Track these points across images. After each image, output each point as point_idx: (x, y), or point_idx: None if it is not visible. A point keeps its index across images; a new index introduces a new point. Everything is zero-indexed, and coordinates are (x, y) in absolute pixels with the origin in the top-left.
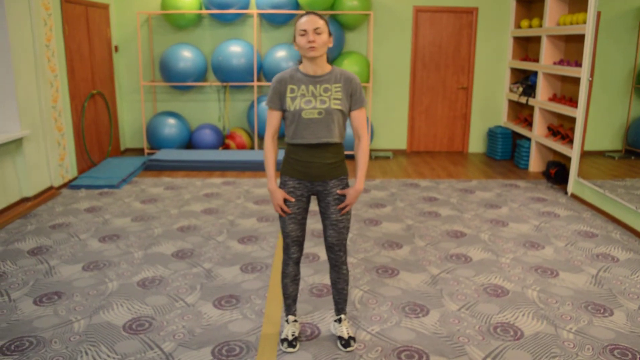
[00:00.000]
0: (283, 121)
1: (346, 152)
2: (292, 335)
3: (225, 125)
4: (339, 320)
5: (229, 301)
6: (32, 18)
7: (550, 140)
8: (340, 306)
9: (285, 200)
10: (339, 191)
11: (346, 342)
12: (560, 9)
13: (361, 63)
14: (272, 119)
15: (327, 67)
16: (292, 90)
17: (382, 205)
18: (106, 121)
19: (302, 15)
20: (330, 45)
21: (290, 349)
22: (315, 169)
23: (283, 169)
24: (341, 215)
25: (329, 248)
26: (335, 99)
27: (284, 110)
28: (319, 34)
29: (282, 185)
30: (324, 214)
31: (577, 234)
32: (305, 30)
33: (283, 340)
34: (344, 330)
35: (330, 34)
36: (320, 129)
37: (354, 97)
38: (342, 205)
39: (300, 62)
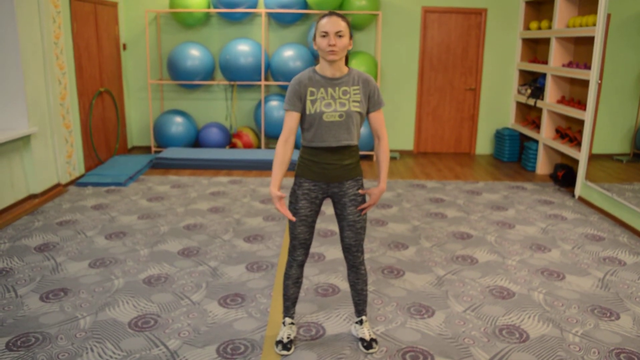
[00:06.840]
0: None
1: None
2: (288, 338)
3: (232, 124)
4: (360, 322)
5: (234, 300)
6: (41, 15)
7: (558, 143)
8: (360, 307)
9: (295, 206)
10: (361, 191)
11: (368, 344)
12: (570, 11)
13: (369, 63)
14: (290, 121)
15: (345, 69)
16: (312, 93)
17: (389, 205)
18: (114, 119)
19: (324, 15)
20: (350, 47)
21: (285, 352)
22: (333, 171)
23: (298, 170)
24: (359, 216)
25: (347, 249)
26: (354, 101)
27: (301, 113)
28: (340, 36)
29: (298, 187)
30: (340, 216)
31: (584, 237)
32: (326, 32)
33: (278, 343)
34: (366, 332)
35: (350, 37)
36: (341, 132)
37: (372, 99)
38: (364, 206)
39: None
